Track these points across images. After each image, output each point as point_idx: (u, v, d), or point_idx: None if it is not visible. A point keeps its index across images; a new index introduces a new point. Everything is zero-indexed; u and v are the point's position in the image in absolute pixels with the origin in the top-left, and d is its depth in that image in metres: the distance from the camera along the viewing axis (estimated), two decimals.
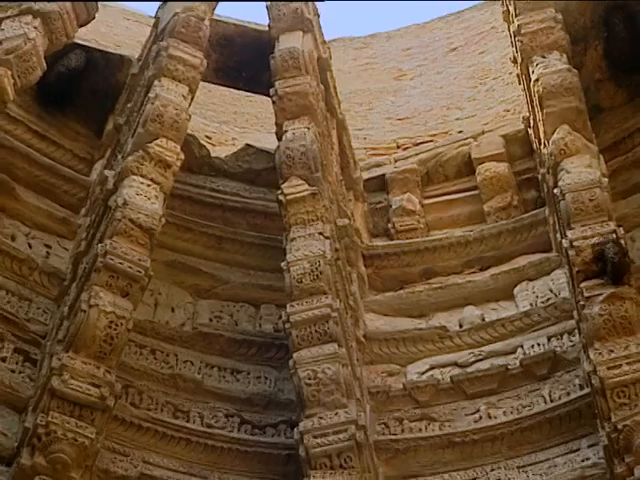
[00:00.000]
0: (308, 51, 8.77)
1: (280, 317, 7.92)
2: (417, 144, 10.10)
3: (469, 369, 8.12)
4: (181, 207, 8.75)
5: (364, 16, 27.30)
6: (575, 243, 7.55)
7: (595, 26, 8.89)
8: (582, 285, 7.44)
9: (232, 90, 10.08)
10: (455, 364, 8.19)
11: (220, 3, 9.01)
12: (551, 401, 7.72)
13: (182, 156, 8.20)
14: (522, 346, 8.12)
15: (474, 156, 9.40)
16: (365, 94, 11.44)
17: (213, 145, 9.73)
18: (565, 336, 8.03)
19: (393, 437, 7.86)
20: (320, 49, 9.06)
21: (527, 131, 9.09)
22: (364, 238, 9.12)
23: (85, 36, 8.85)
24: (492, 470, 7.56)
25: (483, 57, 11.38)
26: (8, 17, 7.82)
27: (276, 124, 8.60)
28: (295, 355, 7.54)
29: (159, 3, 9.09)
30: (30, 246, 8.32)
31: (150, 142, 8.07)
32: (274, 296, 8.46)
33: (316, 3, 9.11)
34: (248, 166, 9.25)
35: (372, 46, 12.63)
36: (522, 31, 8.54)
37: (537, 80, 8.29)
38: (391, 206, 9.35)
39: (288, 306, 7.72)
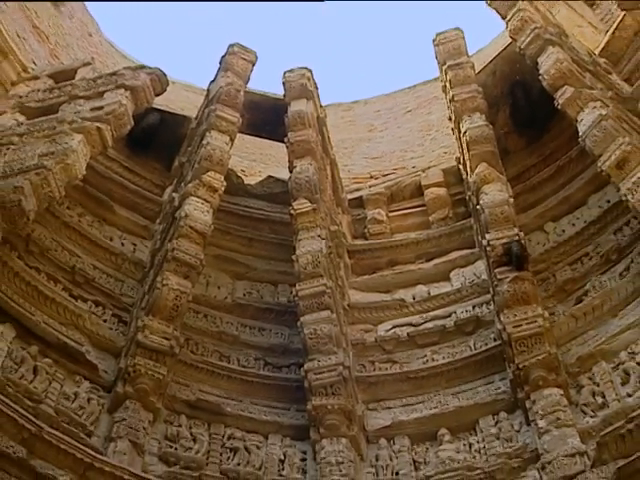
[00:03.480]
0: (310, 112, 8.78)
1: (291, 293, 7.95)
2: (384, 175, 10.09)
3: (419, 327, 8.12)
4: (224, 218, 8.70)
5: (349, 86, 27.89)
6: (491, 242, 7.61)
7: (504, 96, 8.92)
8: (496, 271, 7.49)
9: (258, 138, 10.08)
10: (410, 324, 8.19)
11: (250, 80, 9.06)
12: (475, 349, 7.73)
13: (225, 183, 8.23)
14: (455, 312, 8.13)
15: (423, 183, 9.38)
16: (349, 141, 11.40)
17: (246, 176, 9.69)
18: (484, 305, 8.03)
19: (368, 374, 7.86)
20: (318, 111, 9.06)
21: (459, 167, 9.09)
22: (348, 239, 9.08)
23: (159, 102, 8.84)
24: (435, 396, 7.57)
25: (429, 116, 11.34)
26: (108, 90, 7.88)
27: (289, 161, 8.61)
28: (302, 318, 7.59)
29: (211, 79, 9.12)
30: (122, 244, 8.32)
31: (203, 174, 8.11)
32: (287, 278, 8.40)
33: (316, 79, 9.09)
34: (270, 190, 9.21)
35: (354, 109, 12.57)
36: (455, 99, 8.58)
37: (465, 132, 8.33)
38: (367, 217, 9.32)
39: (297, 285, 7.75)
